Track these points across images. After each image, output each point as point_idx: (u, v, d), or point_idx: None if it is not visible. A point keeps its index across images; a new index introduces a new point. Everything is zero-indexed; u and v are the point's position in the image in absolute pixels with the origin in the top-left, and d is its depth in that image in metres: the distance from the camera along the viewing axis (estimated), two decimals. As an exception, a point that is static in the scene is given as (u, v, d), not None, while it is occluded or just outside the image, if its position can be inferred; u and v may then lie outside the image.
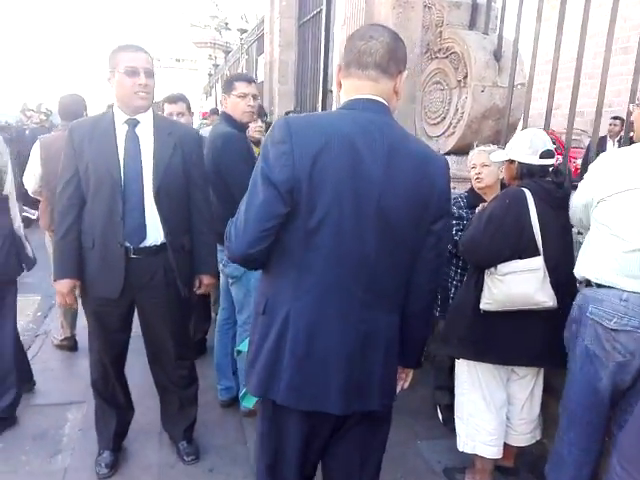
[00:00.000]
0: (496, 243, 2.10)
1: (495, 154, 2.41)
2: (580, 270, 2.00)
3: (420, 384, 3.19)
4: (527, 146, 2.20)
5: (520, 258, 2.10)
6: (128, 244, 2.17)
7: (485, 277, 2.17)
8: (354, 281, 1.39)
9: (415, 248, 1.44)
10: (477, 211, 2.49)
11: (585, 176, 2.02)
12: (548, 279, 2.08)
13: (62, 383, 3.31)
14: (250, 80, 2.84)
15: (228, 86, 2.75)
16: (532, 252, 2.10)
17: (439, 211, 1.43)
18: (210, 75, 18.18)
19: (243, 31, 11.94)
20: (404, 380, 1.66)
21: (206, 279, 2.46)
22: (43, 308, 4.83)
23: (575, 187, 2.81)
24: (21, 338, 4.13)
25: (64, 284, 2.20)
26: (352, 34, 1.46)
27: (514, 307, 2.11)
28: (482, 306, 2.16)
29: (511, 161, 2.28)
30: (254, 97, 2.75)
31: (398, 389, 1.62)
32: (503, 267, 2.11)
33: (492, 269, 2.14)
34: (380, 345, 1.45)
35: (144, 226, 2.19)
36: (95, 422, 2.53)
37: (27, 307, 4.83)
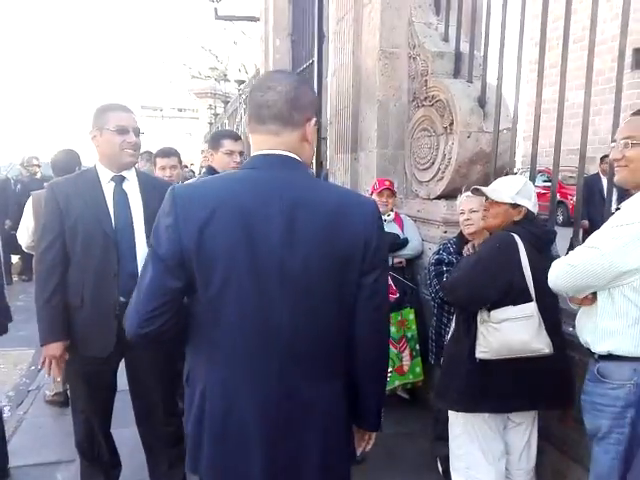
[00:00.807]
0: (480, 282, 2.09)
1: (499, 194, 2.22)
2: (601, 342, 1.75)
3: (418, 435, 3.12)
4: (530, 193, 2.21)
5: (513, 304, 2.07)
6: (122, 299, 2.15)
7: (478, 325, 2.13)
8: (267, 354, 1.28)
9: (343, 305, 1.32)
10: (464, 252, 2.49)
11: (620, 234, 1.66)
12: (543, 325, 2.05)
13: (52, 441, 3.23)
14: (236, 137, 2.94)
15: (215, 142, 2.84)
16: (524, 298, 2.07)
17: (369, 264, 1.30)
18: (210, 124, 18.63)
19: (241, 82, 12.33)
20: (366, 442, 1.51)
21: None
22: (37, 362, 4.76)
23: (572, 223, 2.83)
24: (13, 393, 4.12)
25: (57, 347, 2.13)
26: (253, 85, 1.39)
27: (510, 355, 2.07)
28: (478, 355, 2.11)
29: (514, 206, 2.18)
30: (240, 154, 2.85)
31: (359, 452, 1.50)
32: (497, 314, 2.07)
33: (485, 316, 2.10)
34: (314, 418, 1.32)
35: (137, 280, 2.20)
36: (81, 483, 2.45)
37: (21, 361, 4.79)
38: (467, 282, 2.12)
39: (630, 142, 1.68)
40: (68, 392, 3.63)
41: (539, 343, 2.04)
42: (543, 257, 2.16)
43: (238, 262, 1.25)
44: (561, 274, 1.78)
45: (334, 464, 1.37)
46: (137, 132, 2.21)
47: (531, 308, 2.05)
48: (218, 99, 18.77)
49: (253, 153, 1.35)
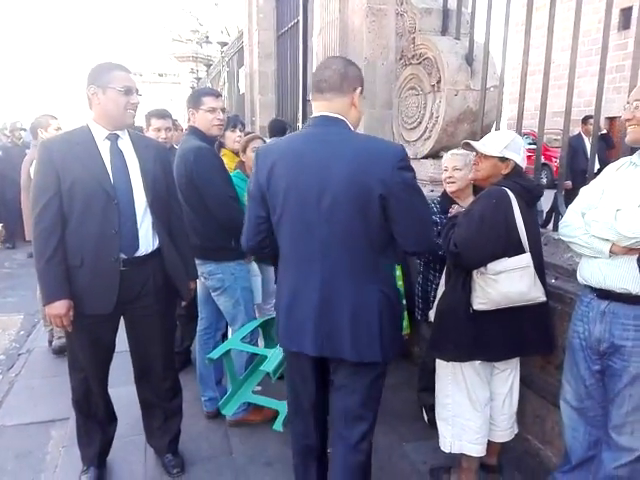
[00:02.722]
0: (491, 242, 2.11)
1: (487, 148, 2.23)
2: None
3: (404, 386, 3.21)
4: (519, 148, 2.22)
5: (507, 256, 2.12)
6: (123, 256, 2.19)
7: (475, 277, 2.18)
8: (310, 261, 1.80)
9: (370, 228, 1.74)
10: (452, 214, 2.49)
11: None
12: (537, 275, 2.13)
13: (45, 400, 3.28)
14: (217, 94, 2.88)
15: (196, 101, 2.76)
16: (517, 249, 2.13)
17: (388, 181, 1.69)
18: (193, 88, 18.20)
19: (224, 44, 12.01)
20: None
21: (190, 284, 2.52)
22: (26, 327, 4.78)
23: (556, 185, 2.87)
24: (4, 357, 4.15)
25: (61, 305, 2.12)
26: (317, 66, 1.87)
27: (509, 305, 2.13)
28: (476, 306, 2.17)
29: (502, 159, 2.20)
30: (222, 110, 2.80)
31: None
32: (494, 266, 2.12)
33: (482, 269, 2.15)
34: (343, 307, 1.78)
35: (137, 236, 2.23)
36: (77, 439, 2.49)
37: (10, 326, 4.80)
38: (482, 244, 2.11)
39: (635, 102, 1.79)
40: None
41: (536, 292, 2.12)
42: (531, 210, 2.21)
43: (291, 195, 1.77)
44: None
45: (363, 345, 1.80)
46: (137, 92, 2.24)
47: (526, 259, 2.11)
48: (200, 62, 18.32)
49: (313, 115, 1.84)
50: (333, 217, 1.73)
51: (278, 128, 4.96)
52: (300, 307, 1.84)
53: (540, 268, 2.19)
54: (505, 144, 2.22)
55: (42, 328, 4.35)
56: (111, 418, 2.55)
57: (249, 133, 4.58)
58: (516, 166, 2.22)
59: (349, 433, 1.92)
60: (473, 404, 2.32)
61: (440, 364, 2.41)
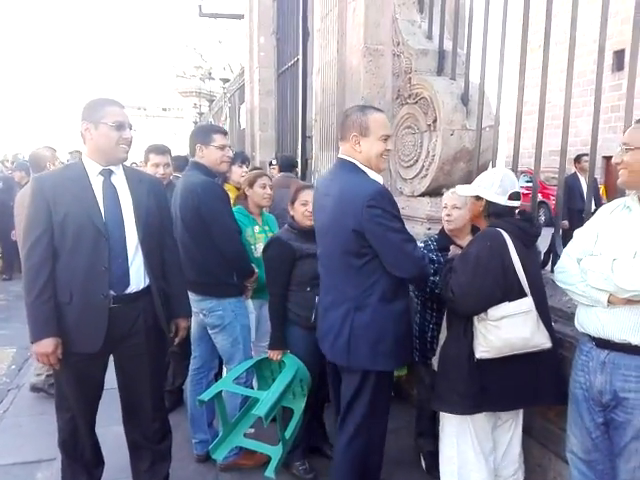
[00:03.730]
0: (487, 288, 2.07)
1: (462, 188, 2.37)
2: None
3: (403, 430, 3.12)
4: (497, 185, 2.20)
5: (508, 300, 2.07)
6: (113, 292, 2.16)
7: (476, 324, 2.12)
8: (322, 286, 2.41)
9: (350, 264, 2.16)
10: (451, 254, 2.48)
11: None
12: (540, 319, 2.06)
13: (32, 440, 3.19)
14: (225, 132, 2.97)
15: (205, 137, 2.81)
16: (517, 293, 2.07)
17: (359, 218, 2.06)
18: (195, 123, 18.52)
19: (226, 80, 12.27)
20: None
21: (183, 322, 2.48)
22: (18, 361, 4.70)
23: (552, 224, 2.86)
24: (-8, 393, 4.06)
25: (48, 343, 2.08)
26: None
27: (512, 352, 2.07)
28: (478, 355, 2.11)
29: (478, 198, 2.26)
30: (230, 148, 2.89)
31: None
32: (494, 312, 2.07)
33: (482, 315, 2.10)
34: (337, 316, 2.22)
35: (127, 273, 2.20)
36: (62, 482, 2.42)
37: (1, 360, 4.72)
38: (477, 290, 2.08)
39: (625, 148, 1.82)
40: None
41: (541, 338, 2.06)
42: (531, 252, 2.17)
43: (317, 230, 2.35)
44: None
45: (359, 346, 2.18)
46: (131, 128, 2.23)
47: (527, 303, 2.06)
48: (203, 98, 18.70)
49: None
50: (329, 250, 2.26)
51: (287, 163, 5.15)
52: (321, 322, 2.38)
53: (544, 311, 2.13)
54: (478, 182, 2.26)
55: (34, 363, 4.27)
56: (98, 460, 2.47)
57: (255, 168, 4.64)
58: (504, 207, 2.19)
59: None
60: (477, 456, 2.25)
61: (444, 415, 2.34)
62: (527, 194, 2.95)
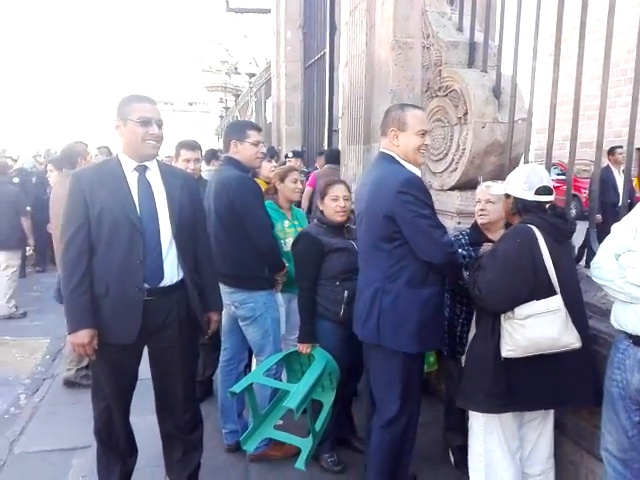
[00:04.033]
0: (515, 285, 2.04)
1: (495, 187, 2.40)
2: None
3: (431, 425, 3.11)
4: (523, 181, 2.18)
5: (536, 299, 2.03)
6: (147, 286, 2.20)
7: (502, 322, 2.09)
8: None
9: (381, 249, 2.27)
10: (482, 251, 2.46)
11: None
12: (570, 318, 2.01)
13: (67, 427, 3.28)
14: (260, 129, 3.01)
15: (240, 133, 2.85)
16: (547, 291, 2.03)
17: (391, 204, 2.17)
18: (221, 117, 18.65)
19: (252, 75, 12.31)
20: None
21: (215, 315, 2.51)
22: (52, 351, 4.83)
23: (586, 217, 2.81)
24: (29, 381, 4.19)
25: (84, 334, 2.14)
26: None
27: (539, 352, 2.03)
28: (504, 354, 2.07)
29: (507, 195, 2.26)
30: (263, 144, 2.94)
31: None
32: (521, 310, 2.03)
33: (509, 313, 2.06)
34: (372, 306, 2.31)
35: (162, 267, 2.24)
36: (97, 469, 2.47)
37: (36, 350, 4.86)
38: (505, 287, 2.06)
39: None
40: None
41: (569, 338, 2.00)
42: (564, 248, 2.13)
43: (357, 218, 2.49)
44: None
45: (386, 326, 2.28)
46: (160, 124, 2.24)
47: (556, 301, 2.01)
48: (229, 92, 18.79)
49: None
50: (364, 235, 2.38)
51: (333, 155, 5.41)
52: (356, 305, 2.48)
53: (578, 309, 2.08)
54: (508, 179, 2.26)
55: (65, 357, 4.38)
56: (132, 449, 2.52)
57: (284, 163, 4.69)
58: (527, 200, 2.16)
59: None
60: (504, 453, 2.23)
61: (472, 413, 2.33)
62: (557, 187, 2.90)
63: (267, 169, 3.60)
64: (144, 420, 2.67)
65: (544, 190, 2.16)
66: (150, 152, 2.25)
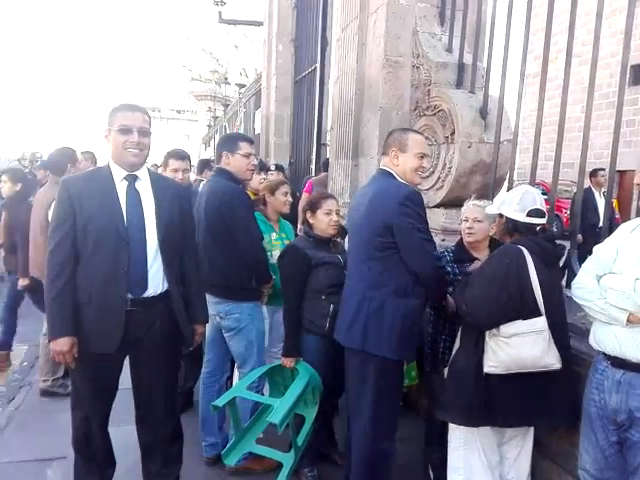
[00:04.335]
0: (500, 304, 2.08)
1: (490, 207, 2.45)
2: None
3: (410, 440, 3.12)
4: (516, 202, 2.24)
5: (522, 319, 2.07)
6: (131, 296, 2.19)
7: (487, 339, 2.13)
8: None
9: (374, 261, 2.34)
10: (471, 268, 2.50)
11: None
12: (552, 340, 2.06)
13: (43, 437, 3.22)
14: (252, 141, 3.03)
15: (232, 145, 2.86)
16: (532, 312, 2.07)
17: (391, 214, 2.27)
18: (209, 126, 18.64)
19: (241, 86, 12.36)
20: None
21: (200, 328, 2.50)
22: (29, 358, 4.75)
23: (567, 236, 2.87)
24: (5, 389, 4.10)
25: (65, 342, 2.13)
26: None
27: (520, 370, 2.07)
28: (487, 369, 2.12)
29: (501, 215, 2.31)
30: (255, 156, 2.94)
31: None
32: (507, 328, 2.08)
33: (494, 331, 2.11)
34: (358, 311, 2.37)
35: (146, 278, 2.23)
36: (74, 481, 2.44)
37: (13, 357, 4.76)
38: (490, 304, 2.10)
39: None
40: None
41: (550, 358, 2.05)
42: (552, 271, 2.17)
43: (350, 227, 2.58)
44: None
45: (371, 331, 2.33)
46: (142, 132, 2.22)
47: (541, 323, 2.06)
48: (218, 102, 18.80)
49: None
50: (358, 242, 2.45)
51: (326, 165, 5.53)
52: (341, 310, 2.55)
53: (561, 332, 2.13)
54: (501, 199, 2.33)
55: (39, 369, 4.30)
56: (110, 461, 2.49)
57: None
58: (519, 222, 2.21)
59: None
60: (483, 467, 2.25)
61: (452, 426, 2.35)
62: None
63: (256, 181, 3.62)
64: (121, 430, 2.63)
65: (536, 213, 2.21)
66: (131, 160, 2.23)
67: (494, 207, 2.39)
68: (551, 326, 2.07)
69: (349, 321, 2.40)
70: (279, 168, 5.63)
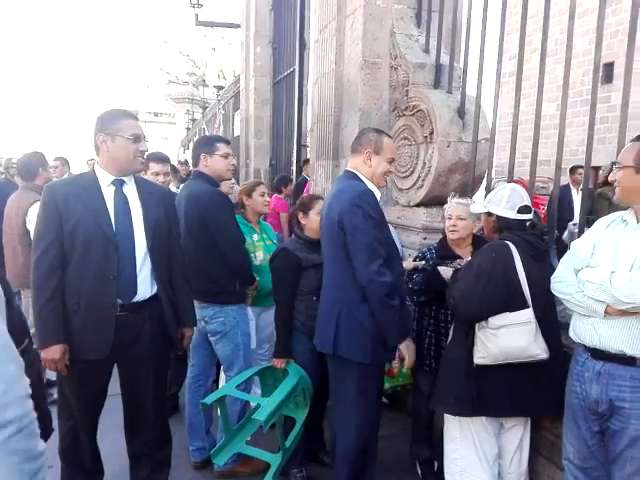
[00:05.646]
0: (488, 296, 2.13)
1: (475, 206, 2.50)
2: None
3: (397, 438, 3.15)
4: (505, 201, 2.30)
5: (509, 311, 2.13)
6: (120, 301, 2.18)
7: (476, 331, 2.19)
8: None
9: (338, 255, 2.34)
10: (460, 264, 2.54)
11: None
12: (539, 331, 2.11)
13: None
14: (229, 142, 3.03)
15: (210, 146, 2.86)
16: (519, 304, 2.13)
17: (343, 213, 2.28)
18: (188, 129, 18.49)
19: (220, 88, 12.28)
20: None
21: (188, 331, 2.51)
22: (10, 368, 4.65)
23: (545, 232, 2.92)
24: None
25: (56, 350, 2.11)
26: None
27: (508, 360, 2.12)
28: (476, 360, 2.17)
29: (489, 214, 2.37)
30: (233, 157, 2.95)
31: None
32: (495, 320, 2.13)
33: (483, 323, 2.16)
34: (330, 315, 2.39)
35: (135, 282, 2.23)
36: (61, 491, 2.41)
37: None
38: (477, 297, 2.15)
39: (616, 167, 1.93)
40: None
41: (537, 349, 2.10)
42: (540, 265, 2.23)
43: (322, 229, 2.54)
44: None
45: (342, 335, 2.35)
46: (145, 139, 2.29)
47: (527, 314, 2.11)
48: (196, 104, 18.64)
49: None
50: (325, 245, 2.47)
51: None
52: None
53: (550, 324, 2.18)
54: (488, 199, 2.37)
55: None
56: (98, 470, 2.47)
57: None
58: (511, 220, 2.27)
59: None
60: (480, 460, 2.29)
61: (448, 417, 2.38)
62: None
63: (227, 185, 3.57)
64: (108, 437, 2.61)
65: (525, 209, 2.29)
66: (139, 167, 2.32)
67: (480, 206, 2.43)
68: (538, 317, 2.12)
69: (322, 324, 2.43)
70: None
